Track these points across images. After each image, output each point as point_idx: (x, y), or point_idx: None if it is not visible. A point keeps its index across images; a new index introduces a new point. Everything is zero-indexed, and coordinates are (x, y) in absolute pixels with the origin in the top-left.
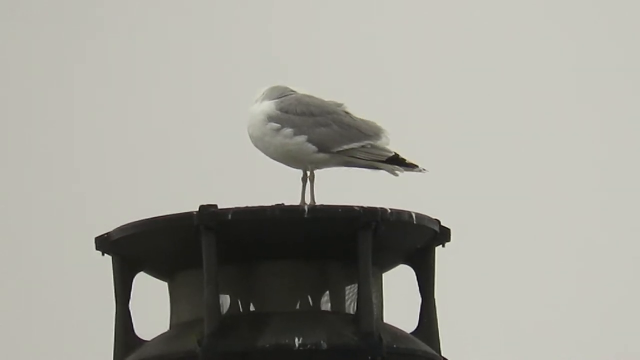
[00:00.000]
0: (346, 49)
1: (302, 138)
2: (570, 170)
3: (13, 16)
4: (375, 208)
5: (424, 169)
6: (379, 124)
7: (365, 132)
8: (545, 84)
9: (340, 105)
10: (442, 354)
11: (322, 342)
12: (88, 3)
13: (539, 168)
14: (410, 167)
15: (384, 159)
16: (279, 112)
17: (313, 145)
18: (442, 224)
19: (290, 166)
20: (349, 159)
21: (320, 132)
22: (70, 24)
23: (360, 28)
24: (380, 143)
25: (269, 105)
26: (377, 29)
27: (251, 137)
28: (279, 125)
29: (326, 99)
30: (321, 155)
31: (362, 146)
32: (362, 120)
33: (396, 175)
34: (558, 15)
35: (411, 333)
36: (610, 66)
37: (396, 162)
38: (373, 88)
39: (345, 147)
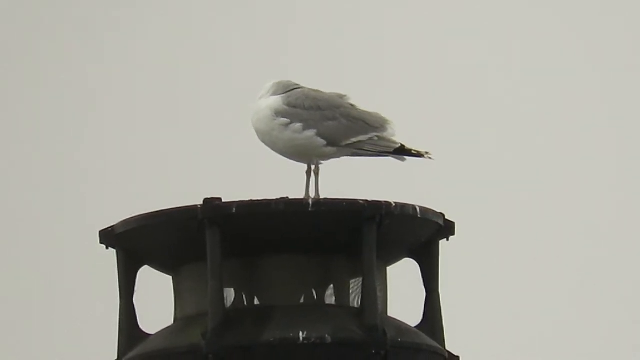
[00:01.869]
0: (349, 42)
1: (311, 132)
2: (577, 162)
3: (14, 16)
4: (380, 202)
5: (429, 156)
6: (383, 115)
7: (372, 124)
8: (552, 77)
9: (343, 96)
10: (447, 348)
11: (326, 335)
12: (90, 2)
13: (545, 161)
14: (417, 156)
15: (391, 150)
16: (286, 107)
17: (322, 139)
18: (446, 217)
19: (296, 160)
20: (357, 152)
21: (329, 125)
22: (73, 21)
23: (363, 20)
24: (386, 134)
25: (275, 101)
26: (380, 21)
27: (258, 132)
28: (287, 120)
29: (329, 91)
30: (329, 149)
31: (370, 138)
32: (367, 112)
33: (404, 160)
34: (560, 9)
35: (415, 327)
36: (619, 61)
37: (403, 153)
38: (378, 80)
39: (354, 140)
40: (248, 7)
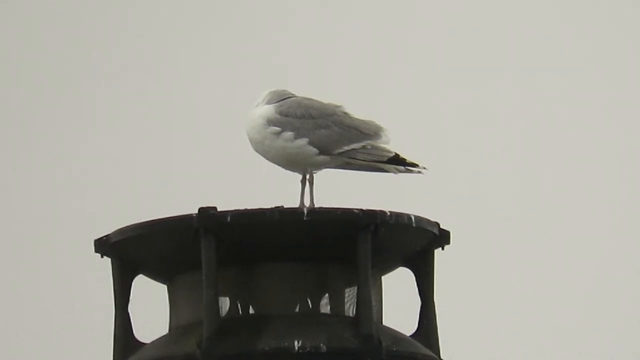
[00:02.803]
0: (346, 50)
1: (302, 141)
2: (574, 170)
3: (14, 17)
4: (375, 211)
5: (423, 168)
6: (378, 122)
7: (365, 132)
8: (549, 87)
9: (339, 106)
10: (442, 357)
11: (321, 345)
12: (90, 4)
13: (540, 170)
14: (411, 166)
15: (385, 159)
16: (278, 115)
17: (314, 147)
18: (441, 226)
19: (290, 170)
20: (350, 160)
21: (321, 134)
22: (70, 26)
23: (360, 27)
24: (380, 142)
25: (268, 109)
26: (376, 29)
27: (251, 141)
28: (279, 129)
29: (325, 101)
30: (322, 158)
31: (363, 147)
32: (361, 120)
33: (396, 173)
34: (555, 14)
35: (411, 336)
36: (618, 69)
37: (397, 162)
38: (373, 88)
39: (346, 148)
40: (242, 17)
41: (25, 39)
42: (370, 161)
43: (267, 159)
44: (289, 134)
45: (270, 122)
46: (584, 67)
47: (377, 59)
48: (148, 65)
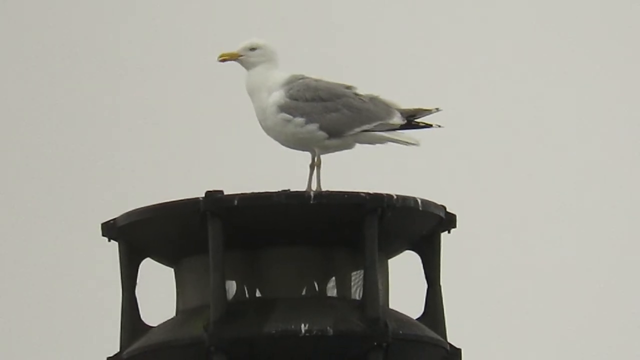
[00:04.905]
0: (351, 36)
1: (313, 126)
2: (580, 154)
3: (14, 12)
4: (381, 194)
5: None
6: (387, 100)
7: (376, 113)
8: (556, 67)
9: (350, 87)
10: (448, 340)
11: (328, 328)
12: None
13: (546, 153)
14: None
15: (397, 127)
16: (288, 99)
17: (324, 132)
18: (448, 210)
19: (304, 150)
20: (362, 139)
21: (331, 118)
22: (73, 16)
23: (364, 15)
24: (392, 122)
25: (279, 95)
26: (382, 16)
27: (264, 128)
28: (290, 116)
29: (336, 82)
30: (332, 141)
31: (374, 127)
32: (372, 101)
33: (417, 144)
34: (552, 15)
35: (417, 319)
36: (623, 62)
37: (410, 127)
38: (380, 71)
39: (357, 130)
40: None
41: (36, 22)
42: (382, 131)
43: (279, 142)
44: (299, 120)
45: (281, 107)
46: (590, 58)
47: (383, 41)
48: (154, 49)
